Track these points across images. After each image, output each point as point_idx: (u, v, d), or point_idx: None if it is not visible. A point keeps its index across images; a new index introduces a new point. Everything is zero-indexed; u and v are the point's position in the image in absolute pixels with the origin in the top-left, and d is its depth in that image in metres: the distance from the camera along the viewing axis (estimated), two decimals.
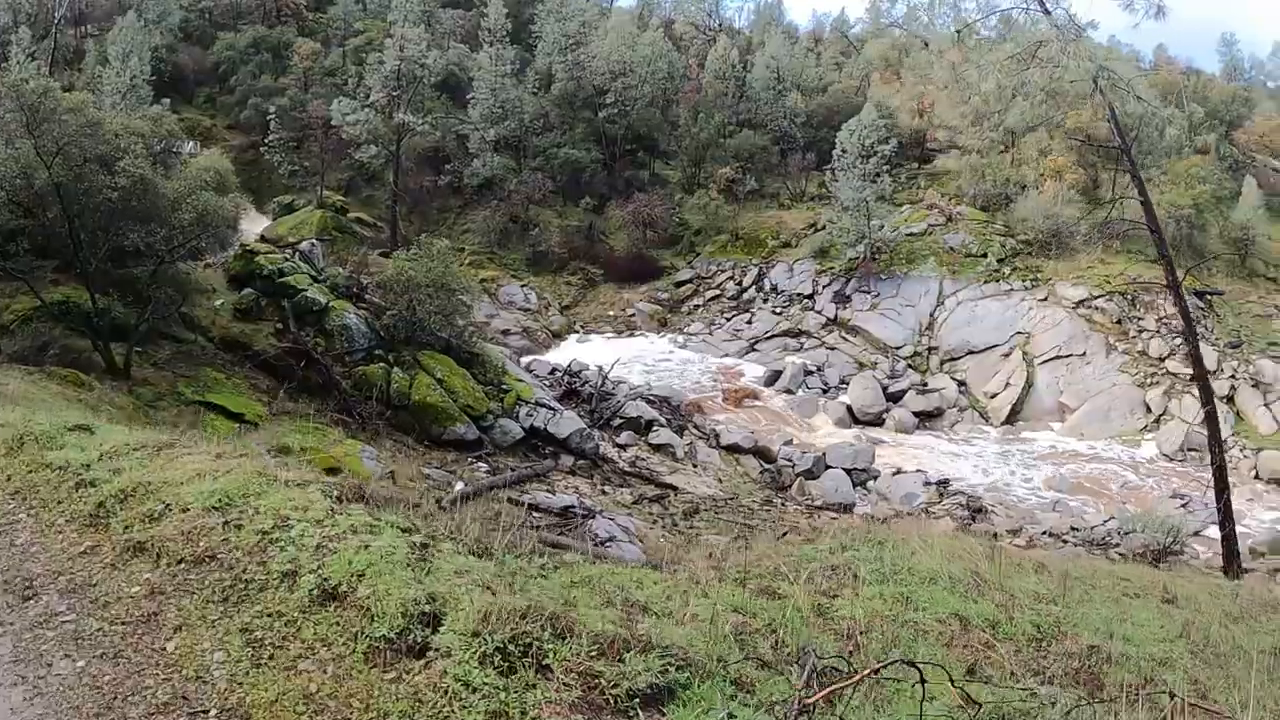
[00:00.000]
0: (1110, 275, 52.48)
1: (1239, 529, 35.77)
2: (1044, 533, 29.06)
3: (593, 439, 31.16)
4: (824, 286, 56.17)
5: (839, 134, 57.93)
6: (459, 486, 25.24)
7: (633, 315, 58.26)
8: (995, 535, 28.02)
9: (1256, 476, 41.41)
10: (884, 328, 52.25)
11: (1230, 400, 46.09)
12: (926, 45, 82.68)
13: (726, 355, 52.46)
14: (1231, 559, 18.93)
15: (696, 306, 58.98)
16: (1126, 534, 29.29)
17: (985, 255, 54.53)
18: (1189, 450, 43.16)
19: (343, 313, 33.04)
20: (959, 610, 7.59)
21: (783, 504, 31.44)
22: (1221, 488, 18.87)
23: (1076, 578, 10.28)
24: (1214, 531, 33.71)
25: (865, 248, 54.58)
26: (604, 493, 28.19)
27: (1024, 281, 52.78)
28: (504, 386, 32.67)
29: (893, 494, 33.77)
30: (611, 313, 58.88)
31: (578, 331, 56.26)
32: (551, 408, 32.05)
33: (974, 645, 7.08)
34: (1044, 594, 8.81)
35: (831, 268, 56.74)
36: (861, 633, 6.82)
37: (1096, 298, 51.00)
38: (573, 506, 24.91)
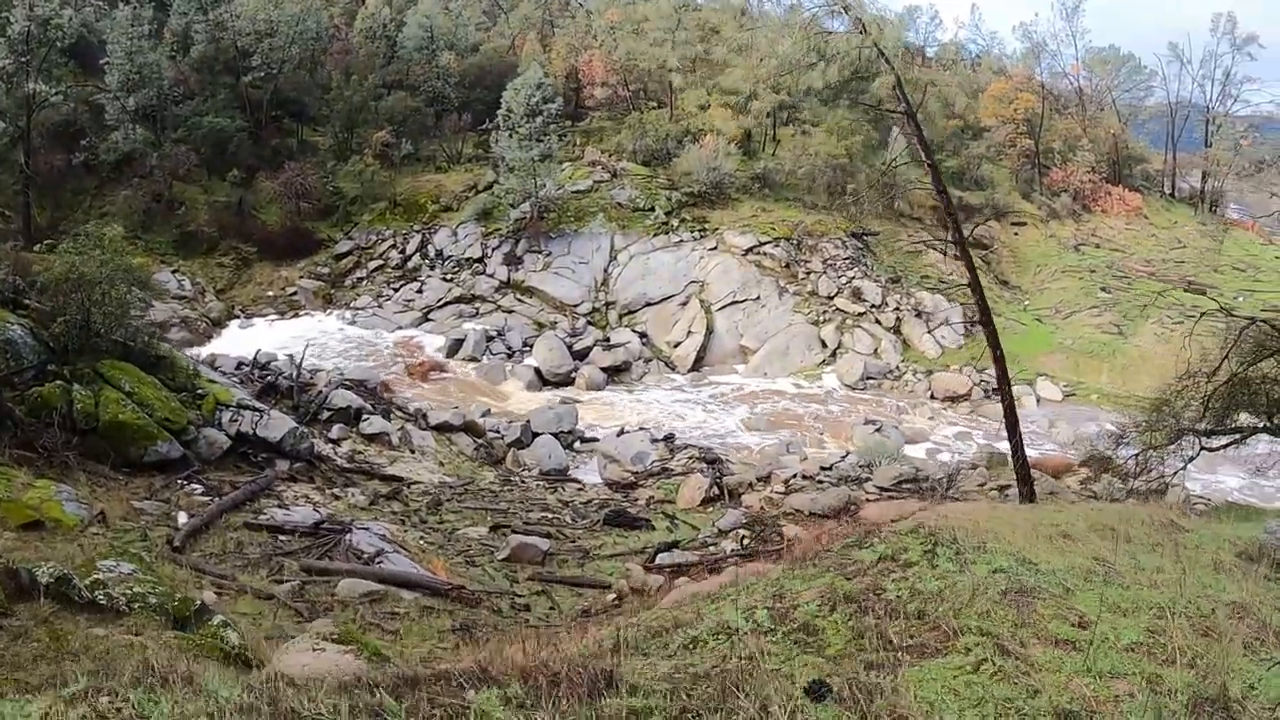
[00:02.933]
0: (774, 222, 53.99)
1: (929, 446, 37.83)
2: (797, 476, 28.82)
3: (307, 438, 28.18)
4: (493, 249, 54.73)
5: (505, 93, 56.27)
6: (183, 519, 22.37)
7: (294, 294, 54.54)
8: (751, 484, 27.72)
9: (933, 397, 44.27)
10: (560, 286, 51.53)
11: (897, 330, 48.74)
12: (581, 5, 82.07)
13: (400, 328, 50.14)
14: (1029, 486, 19.18)
15: (360, 279, 55.93)
16: (864, 466, 29.69)
17: (653, 209, 54.85)
18: (867, 379, 45.42)
19: (3, 324, 28.22)
20: (1159, 603, 6.72)
21: (522, 481, 29.94)
22: (1012, 423, 19.07)
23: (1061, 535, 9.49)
24: (910, 450, 35.50)
25: (531, 207, 53.50)
26: (335, 497, 25.68)
27: (693, 233, 53.47)
28: (199, 391, 28.75)
29: (622, 455, 32.81)
30: (271, 293, 54.93)
31: (239, 317, 51.93)
32: (256, 408, 28.63)
33: (1224, 635, 6.16)
34: (1145, 565, 8.06)
35: (498, 229, 55.43)
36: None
37: (764, 244, 52.29)
38: (323, 522, 22.47)
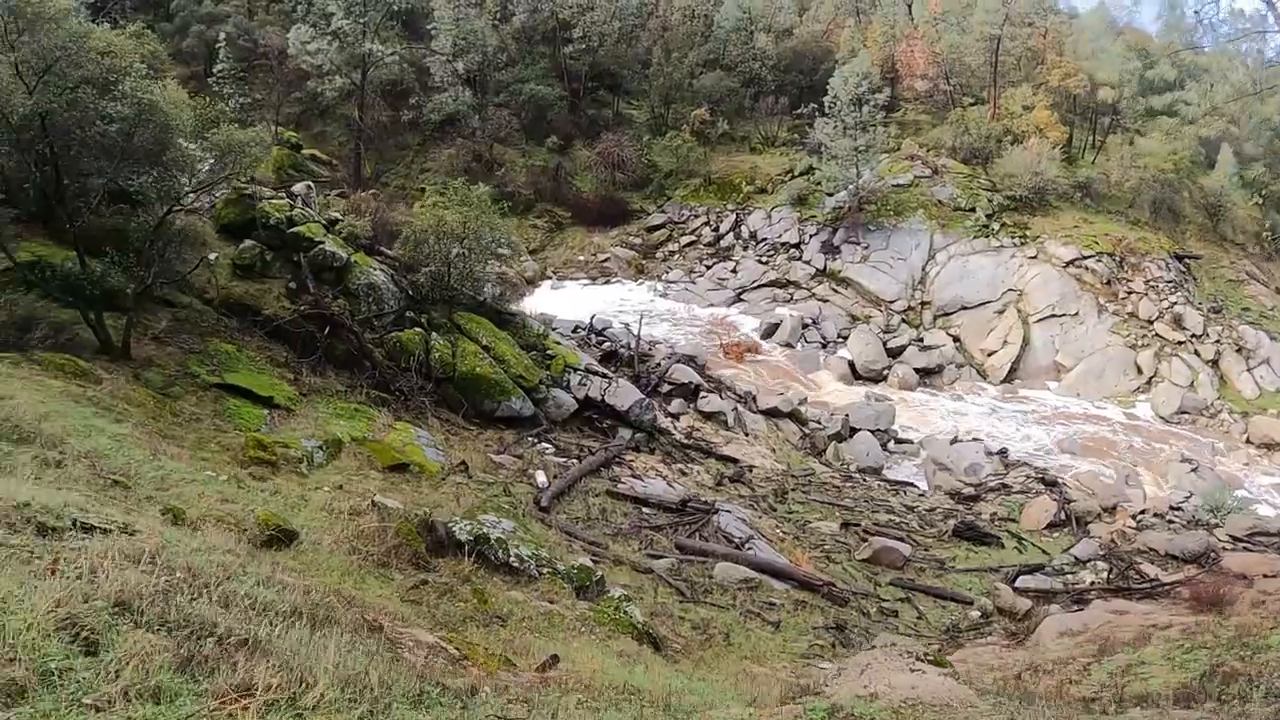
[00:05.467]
0: (1096, 235, 52.19)
1: (1243, 494, 35.93)
2: (1147, 512, 28.04)
3: (651, 410, 28.96)
4: (811, 236, 54.59)
5: (831, 80, 56.17)
6: (540, 478, 23.35)
7: (605, 261, 56.09)
8: (1098, 514, 27.12)
9: (1248, 441, 41.96)
10: (876, 280, 50.99)
11: (1215, 364, 46.45)
12: None
13: (712, 305, 50.68)
14: None
15: (672, 253, 57.05)
16: (1209, 510, 28.53)
17: (974, 210, 53.57)
18: (1181, 413, 43.41)
19: (367, 269, 29.00)
20: None
21: (863, 479, 30.03)
22: None
23: None
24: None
25: (850, 197, 53.18)
26: (682, 473, 26.34)
27: (1013, 238, 51.95)
28: (549, 352, 29.98)
29: (955, 464, 32.40)
30: (582, 258, 56.68)
31: (550, 278, 53.82)
32: (606, 375, 29.63)
33: None
34: None
35: (813, 216, 55.37)
36: None
37: (1086, 258, 50.54)
38: (690, 500, 23.09)
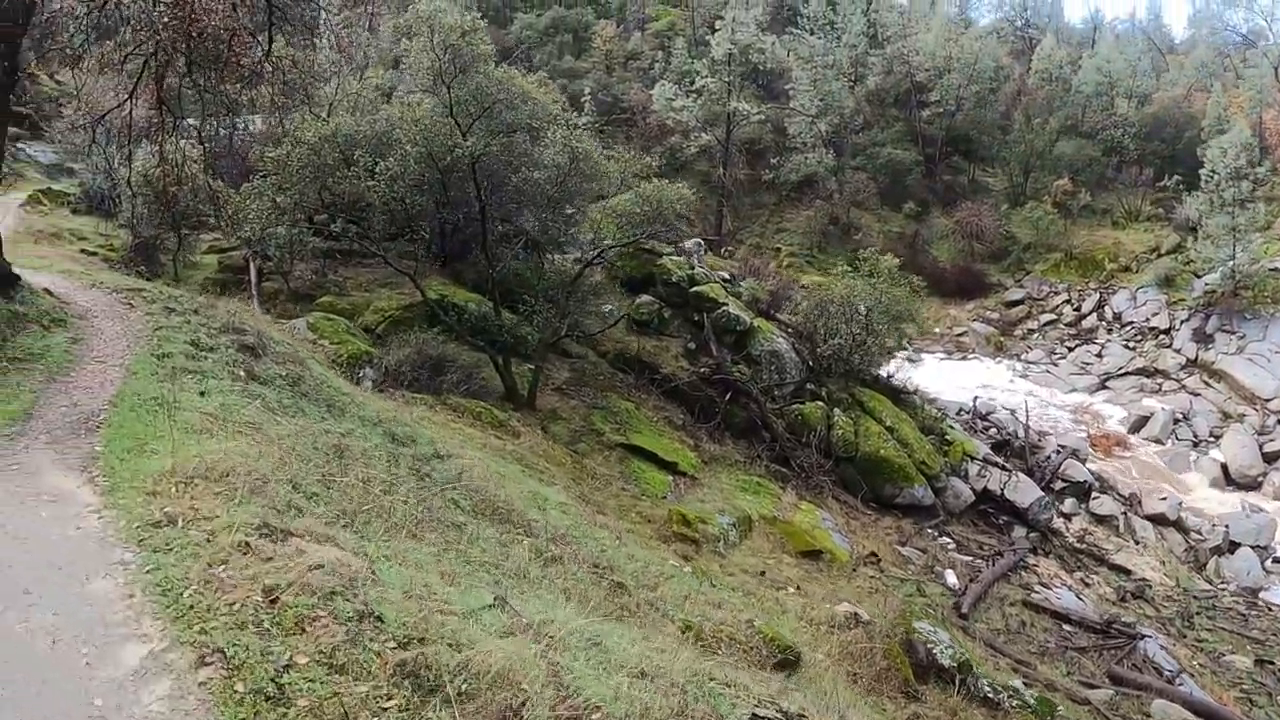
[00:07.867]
0: None
1: None
2: None
3: (1049, 509, 29.05)
4: (1181, 322, 52.49)
5: (1208, 151, 54.08)
6: (951, 578, 23.65)
7: (962, 335, 56.09)
8: None
9: None
10: (1250, 374, 48.05)
11: None
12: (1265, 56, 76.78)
13: (1074, 390, 49.47)
14: None
15: (1031, 331, 56.39)
16: None
17: None
18: None
19: (770, 336, 29.55)
20: None
21: (1270, 608, 29.32)
22: None
23: None
24: None
25: (1225, 280, 50.95)
26: (1084, 583, 26.50)
27: None
28: (946, 437, 30.32)
29: None
30: (937, 330, 56.80)
31: (906, 349, 54.00)
32: (1004, 467, 29.93)
33: None
34: None
35: (1182, 299, 53.53)
36: None
37: None
38: (1115, 621, 23.07)
